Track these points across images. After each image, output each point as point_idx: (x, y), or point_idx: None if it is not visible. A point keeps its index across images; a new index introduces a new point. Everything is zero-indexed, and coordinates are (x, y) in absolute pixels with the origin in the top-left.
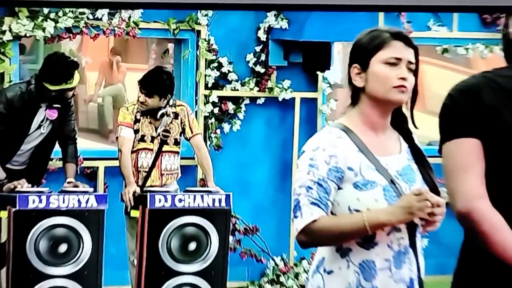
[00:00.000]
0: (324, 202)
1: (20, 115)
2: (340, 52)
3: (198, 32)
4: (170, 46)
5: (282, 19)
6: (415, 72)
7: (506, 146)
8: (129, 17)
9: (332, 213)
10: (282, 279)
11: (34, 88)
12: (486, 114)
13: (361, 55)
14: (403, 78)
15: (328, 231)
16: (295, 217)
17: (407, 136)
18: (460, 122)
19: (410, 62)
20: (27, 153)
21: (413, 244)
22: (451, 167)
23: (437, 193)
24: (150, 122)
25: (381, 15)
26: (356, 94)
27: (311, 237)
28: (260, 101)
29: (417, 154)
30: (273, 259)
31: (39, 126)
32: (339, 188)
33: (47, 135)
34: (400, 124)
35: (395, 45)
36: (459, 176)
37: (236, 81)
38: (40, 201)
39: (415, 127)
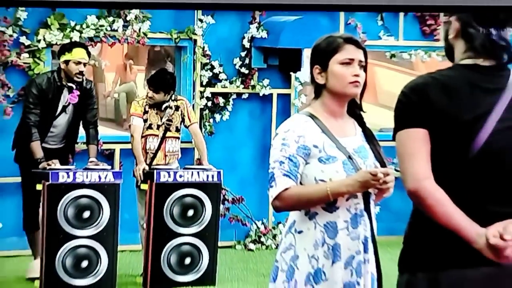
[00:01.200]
0: (294, 174)
1: (47, 96)
2: (309, 56)
3: (195, 40)
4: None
5: (262, 30)
6: (364, 69)
7: (448, 134)
8: (139, 28)
9: (301, 183)
10: (262, 239)
11: (56, 73)
12: (432, 108)
13: (321, 58)
14: (357, 75)
15: (297, 197)
16: (270, 186)
17: (360, 121)
18: (411, 115)
19: (360, 61)
20: (59, 136)
21: (367, 209)
22: (402, 152)
23: (384, 166)
24: (156, 113)
25: (341, 26)
26: (318, 89)
27: (283, 203)
28: (245, 96)
29: (368, 135)
30: (255, 223)
31: (63, 109)
32: (307, 163)
33: (72, 119)
34: (354, 111)
35: (348, 48)
36: (408, 160)
37: (226, 80)
38: (68, 177)
39: (363, 111)
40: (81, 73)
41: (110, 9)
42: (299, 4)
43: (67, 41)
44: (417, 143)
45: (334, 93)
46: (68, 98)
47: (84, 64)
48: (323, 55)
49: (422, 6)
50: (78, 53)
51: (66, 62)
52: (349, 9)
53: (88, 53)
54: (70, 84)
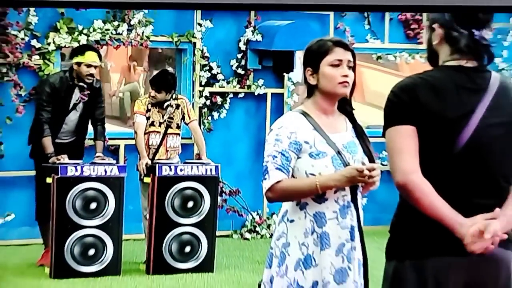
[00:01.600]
0: (286, 167)
1: (60, 94)
2: (301, 58)
3: (194, 43)
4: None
5: (257, 34)
6: (353, 69)
7: (435, 131)
8: (143, 32)
9: (293, 176)
10: (257, 229)
11: (69, 73)
12: (421, 107)
13: (312, 60)
14: (345, 76)
15: (289, 189)
16: (264, 179)
17: (351, 117)
18: (400, 113)
19: (349, 62)
20: (70, 131)
21: (354, 200)
22: (391, 148)
23: (372, 160)
24: (158, 111)
25: (331, 29)
26: (311, 89)
27: (276, 194)
28: (241, 95)
29: (358, 131)
30: (251, 214)
31: (74, 107)
32: (298, 158)
33: (82, 116)
34: (345, 108)
35: (337, 50)
36: (397, 155)
37: (223, 80)
38: (76, 170)
39: (352, 108)
40: (91, 75)
41: (110, 9)
42: (296, 4)
43: (75, 44)
44: (405, 139)
45: (325, 92)
46: (79, 96)
47: (95, 67)
48: (314, 57)
49: (412, 6)
50: (90, 57)
51: (78, 64)
52: (341, 9)
53: (100, 57)
54: (81, 84)
